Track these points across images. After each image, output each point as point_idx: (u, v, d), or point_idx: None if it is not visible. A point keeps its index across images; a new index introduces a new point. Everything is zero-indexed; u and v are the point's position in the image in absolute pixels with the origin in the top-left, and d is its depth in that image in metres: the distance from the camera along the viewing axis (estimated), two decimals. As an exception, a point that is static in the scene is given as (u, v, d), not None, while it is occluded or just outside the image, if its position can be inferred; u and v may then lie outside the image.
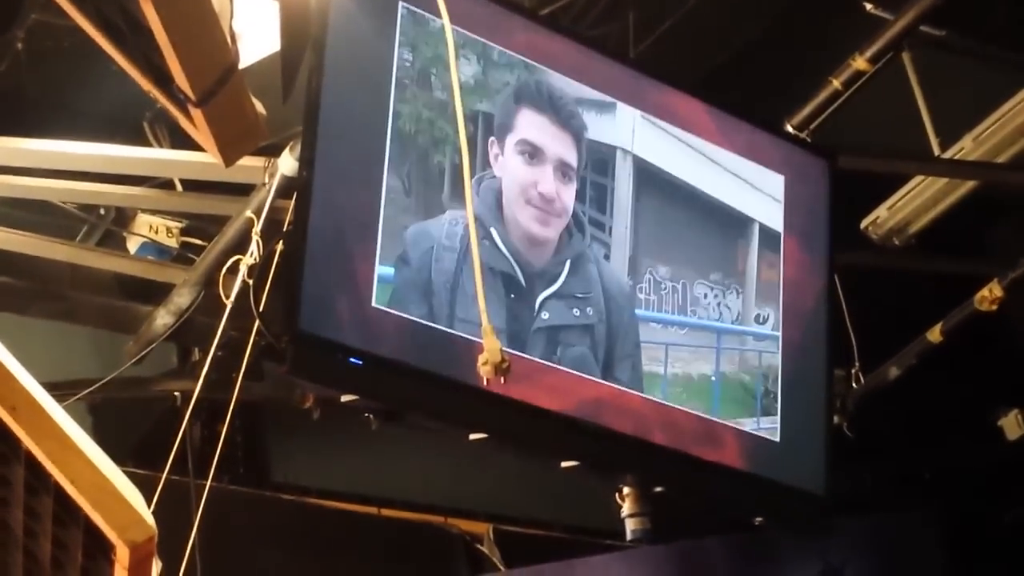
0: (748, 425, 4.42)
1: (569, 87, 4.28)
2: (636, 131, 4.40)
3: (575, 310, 4.16)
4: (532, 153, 4.20)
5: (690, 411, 4.31)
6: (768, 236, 4.62)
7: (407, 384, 3.84)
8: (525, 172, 4.18)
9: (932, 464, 6.46)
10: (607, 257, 4.30)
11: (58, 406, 2.17)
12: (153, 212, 5.35)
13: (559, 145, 4.25)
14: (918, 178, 5.35)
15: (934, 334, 5.49)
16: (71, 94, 5.25)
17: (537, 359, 4.03)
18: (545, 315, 4.08)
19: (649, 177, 4.42)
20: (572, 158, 4.27)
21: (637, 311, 4.32)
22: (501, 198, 4.10)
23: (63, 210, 5.33)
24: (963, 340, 5.49)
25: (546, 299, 4.10)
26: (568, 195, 4.24)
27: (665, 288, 4.39)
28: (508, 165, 4.14)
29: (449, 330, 3.86)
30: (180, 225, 5.37)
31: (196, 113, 2.45)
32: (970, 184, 5.29)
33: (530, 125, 4.21)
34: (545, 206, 4.18)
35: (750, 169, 4.60)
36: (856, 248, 5.39)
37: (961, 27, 4.86)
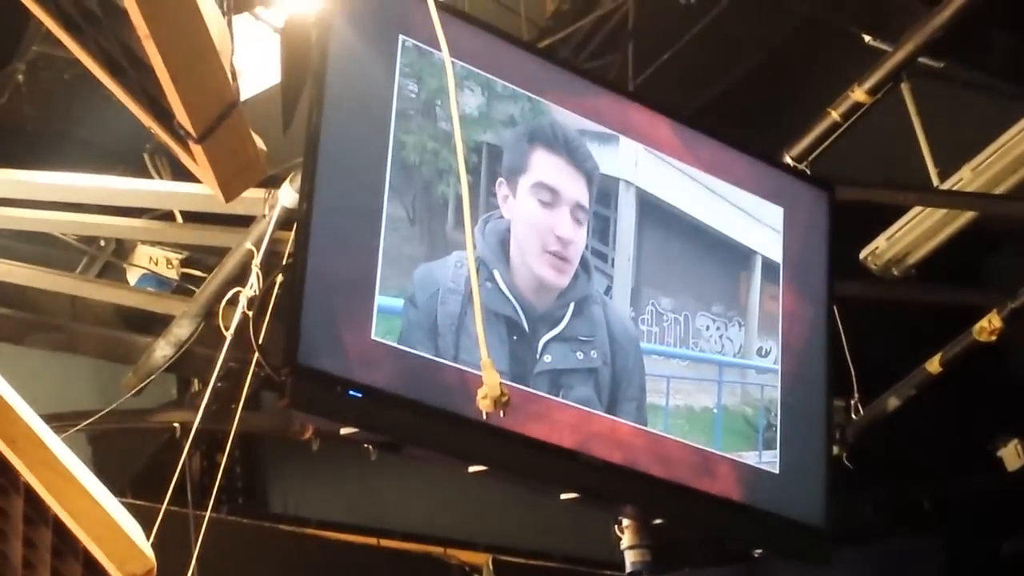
0: (749, 458, 4.42)
1: (571, 120, 4.28)
2: (639, 163, 4.40)
3: (578, 353, 4.15)
4: (550, 197, 4.20)
5: (690, 443, 4.31)
6: (770, 268, 4.62)
7: (406, 417, 3.84)
8: (542, 216, 4.17)
9: (932, 494, 6.45)
10: (609, 289, 4.29)
11: (57, 438, 2.17)
12: (153, 244, 5.36)
13: (575, 187, 4.25)
14: (917, 209, 5.35)
15: (933, 365, 5.48)
16: (71, 126, 5.27)
17: (538, 392, 4.04)
18: (548, 358, 4.07)
19: (652, 209, 4.42)
20: (586, 200, 4.27)
21: (640, 344, 4.32)
22: (508, 240, 4.09)
23: (63, 242, 5.34)
24: (962, 370, 5.48)
25: (548, 342, 4.10)
26: (581, 238, 4.24)
27: (667, 320, 4.39)
28: (520, 208, 4.13)
29: (449, 363, 3.86)
30: (180, 256, 5.37)
31: (196, 149, 2.45)
32: (969, 215, 5.29)
33: (546, 167, 4.21)
34: (563, 251, 4.18)
35: (750, 201, 4.61)
36: (855, 278, 5.39)
37: (960, 58, 4.87)
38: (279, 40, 4.27)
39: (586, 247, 4.25)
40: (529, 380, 4.00)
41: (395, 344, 3.80)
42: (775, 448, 4.48)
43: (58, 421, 5.07)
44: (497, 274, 4.02)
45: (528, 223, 4.14)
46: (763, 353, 4.55)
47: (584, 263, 4.23)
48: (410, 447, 4.06)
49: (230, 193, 2.56)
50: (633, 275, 4.34)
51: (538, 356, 4.06)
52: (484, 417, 2.92)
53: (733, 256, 4.58)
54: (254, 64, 4.33)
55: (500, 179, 4.11)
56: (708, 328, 4.47)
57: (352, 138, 3.88)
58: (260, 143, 2.52)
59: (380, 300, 3.80)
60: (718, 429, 4.40)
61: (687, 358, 4.42)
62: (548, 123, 4.23)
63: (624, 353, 4.24)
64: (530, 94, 4.22)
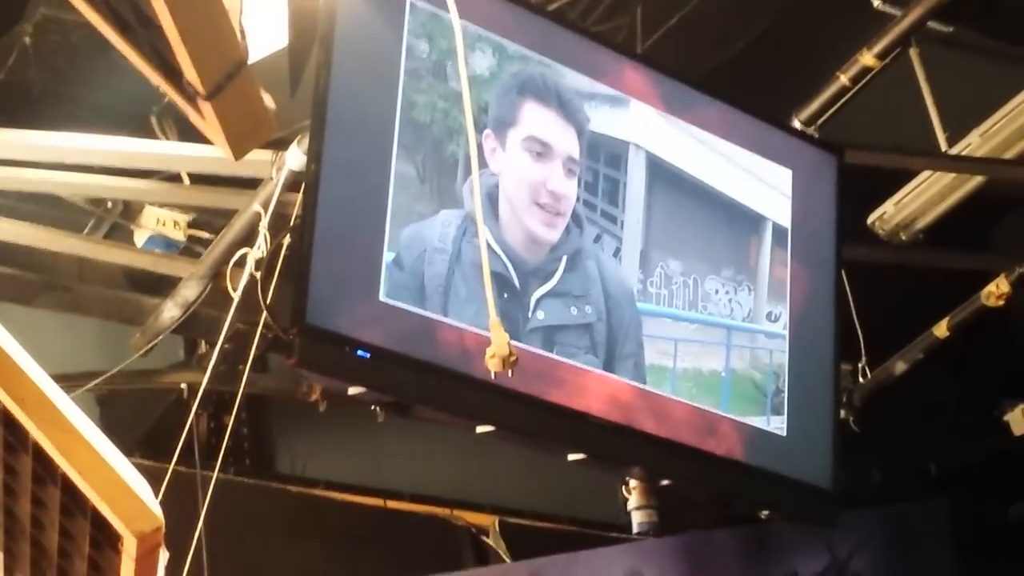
0: (757, 421, 4.43)
1: (580, 82, 4.27)
2: (648, 126, 4.39)
3: (572, 309, 4.15)
4: (541, 150, 4.19)
5: (696, 405, 4.32)
6: (780, 234, 4.62)
7: (414, 377, 3.85)
8: (534, 170, 4.16)
9: (938, 458, 6.46)
10: (618, 251, 4.29)
11: (66, 397, 2.18)
12: (160, 205, 5.36)
13: (566, 140, 4.24)
14: (925, 173, 5.34)
15: (940, 329, 5.49)
16: (78, 88, 5.26)
17: (542, 352, 4.04)
18: (540, 315, 4.07)
19: (662, 172, 4.41)
20: (576, 152, 4.26)
21: (648, 306, 4.31)
22: (497, 195, 4.08)
23: (70, 203, 5.34)
24: (970, 335, 5.49)
25: (541, 298, 4.09)
26: (572, 191, 4.23)
27: (676, 283, 4.39)
28: (510, 162, 4.12)
29: (456, 323, 3.87)
30: (187, 218, 5.38)
31: (205, 107, 2.45)
32: (977, 179, 5.28)
33: (537, 120, 4.20)
34: (555, 205, 4.17)
35: (759, 164, 4.60)
36: (863, 243, 5.39)
37: (969, 22, 4.85)
38: (287, 2, 4.26)
39: (577, 200, 4.24)
40: (521, 338, 3.99)
41: (401, 304, 3.80)
42: (783, 412, 4.48)
43: (66, 382, 5.08)
44: (486, 229, 4.00)
45: (518, 177, 4.13)
46: (772, 318, 4.55)
47: (576, 216, 4.21)
48: (416, 407, 4.07)
49: (239, 151, 2.55)
50: (642, 238, 4.34)
51: (530, 313, 4.06)
52: (492, 377, 2.94)
53: (743, 221, 4.58)
54: (262, 27, 4.32)
55: (487, 131, 4.10)
56: (718, 292, 4.47)
57: (360, 99, 3.88)
58: (270, 101, 2.52)
59: (388, 260, 3.80)
60: (726, 393, 4.41)
61: (696, 321, 4.42)
62: (539, 74, 4.21)
63: (620, 308, 4.24)
64: (538, 55, 4.21)
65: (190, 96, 2.46)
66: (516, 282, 4.05)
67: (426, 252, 3.89)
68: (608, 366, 4.16)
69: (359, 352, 3.75)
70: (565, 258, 4.17)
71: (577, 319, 4.13)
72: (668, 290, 4.35)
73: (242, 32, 2.43)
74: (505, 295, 4.01)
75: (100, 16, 2.51)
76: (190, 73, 2.38)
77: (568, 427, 4.08)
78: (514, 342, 3.85)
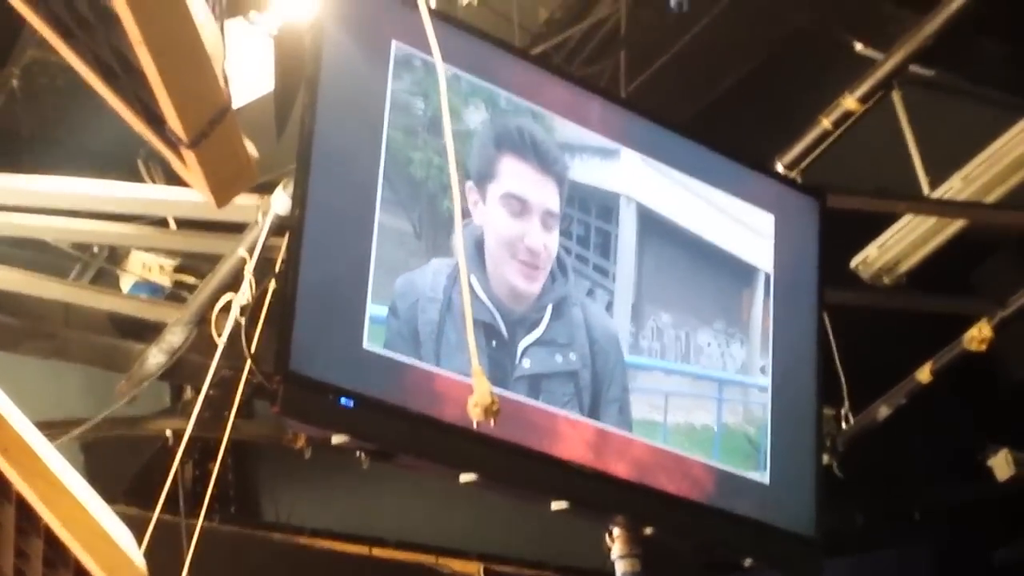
0: (740, 469, 4.42)
1: (564, 129, 4.28)
2: (638, 175, 4.40)
3: (557, 356, 4.15)
4: (518, 207, 4.19)
5: (681, 454, 4.31)
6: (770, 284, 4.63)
7: (398, 425, 3.84)
8: (511, 226, 4.16)
9: (922, 503, 6.46)
10: (610, 305, 4.29)
11: (50, 446, 2.17)
12: (146, 250, 5.35)
13: (543, 194, 4.23)
14: (908, 216, 5.36)
15: (923, 374, 5.49)
16: (65, 131, 5.27)
17: (526, 401, 4.03)
18: (527, 363, 4.07)
19: (653, 223, 4.40)
20: (556, 205, 4.25)
21: (639, 359, 4.30)
22: (483, 246, 4.08)
23: (56, 248, 5.34)
24: (953, 379, 5.49)
25: (528, 347, 4.09)
26: (552, 243, 4.22)
27: (668, 336, 4.38)
28: (490, 216, 4.12)
29: (440, 371, 3.86)
30: (173, 263, 5.37)
31: (188, 154, 2.45)
32: (960, 223, 5.30)
33: (514, 175, 4.19)
34: (533, 260, 4.17)
35: (743, 209, 4.60)
36: (846, 287, 5.40)
37: (950, 66, 4.87)
38: (273, 46, 4.28)
39: (568, 252, 4.24)
40: (509, 385, 4.00)
41: (386, 352, 3.80)
42: (767, 458, 4.48)
43: (50, 429, 5.06)
44: (474, 279, 4.01)
45: (497, 232, 4.13)
46: (765, 371, 4.55)
47: (560, 264, 4.21)
48: (400, 455, 4.05)
49: (222, 199, 2.56)
50: (634, 291, 4.33)
51: (517, 361, 4.05)
52: (475, 425, 2.93)
53: (735, 271, 4.57)
54: (248, 71, 4.34)
55: (469, 183, 4.10)
56: (710, 344, 4.47)
57: (345, 145, 3.88)
58: (252, 149, 2.52)
59: (372, 309, 3.80)
60: (717, 446, 4.40)
61: (688, 374, 4.41)
62: (515, 127, 4.22)
63: (604, 353, 4.23)
64: (525, 101, 4.22)
65: (173, 143, 2.46)
66: (504, 331, 4.05)
67: (419, 301, 3.90)
68: (593, 413, 4.16)
69: (343, 400, 3.74)
70: (550, 307, 4.16)
71: (562, 367, 4.13)
72: (660, 343, 4.35)
73: (225, 79, 2.44)
74: (494, 343, 4.01)
75: (83, 62, 2.52)
76: (173, 121, 2.39)
77: (551, 475, 4.07)
78: (500, 390, 3.88)
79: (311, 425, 4.02)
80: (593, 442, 4.14)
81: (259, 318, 4.06)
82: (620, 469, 4.17)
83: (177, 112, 2.36)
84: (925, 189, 5.16)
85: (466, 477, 4.00)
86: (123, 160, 5.26)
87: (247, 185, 2.60)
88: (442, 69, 2.93)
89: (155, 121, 2.46)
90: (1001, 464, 5.95)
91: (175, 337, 5.30)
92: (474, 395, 2.87)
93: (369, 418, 3.80)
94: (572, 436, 4.10)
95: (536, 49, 4.75)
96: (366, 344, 3.77)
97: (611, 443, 4.18)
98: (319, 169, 3.80)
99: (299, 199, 3.81)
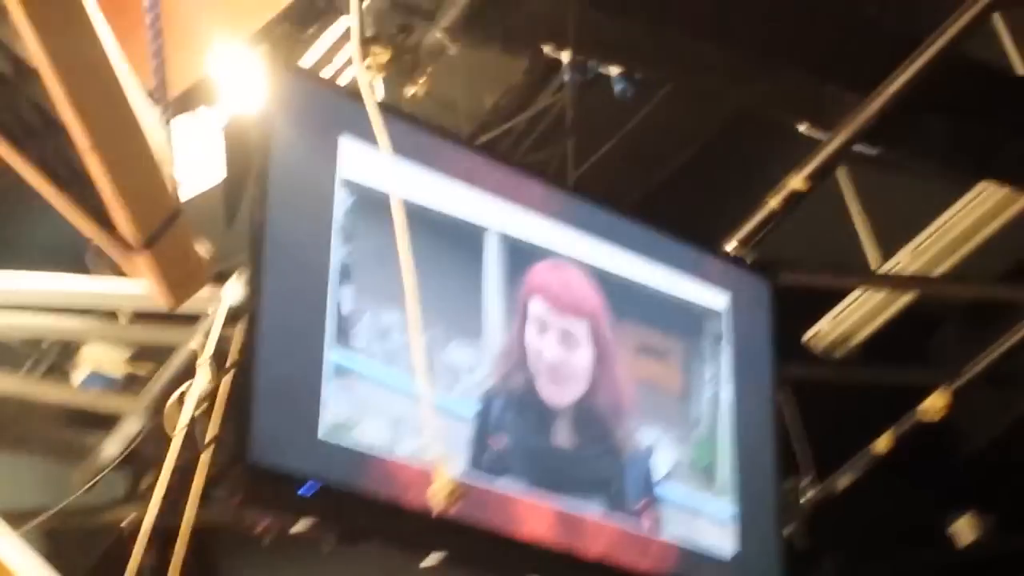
0: (703, 544, 4.42)
1: (513, 215, 4.30)
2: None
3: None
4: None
5: (644, 534, 4.32)
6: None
7: (360, 512, 3.83)
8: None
9: (886, 571, 6.46)
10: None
11: (12, 536, 2.17)
12: (98, 342, 5.33)
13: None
14: (860, 289, 5.39)
15: (881, 444, 5.50)
16: (11, 226, 5.25)
17: (492, 483, 4.04)
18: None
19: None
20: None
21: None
22: None
23: (6, 343, 5.31)
24: (913, 447, 5.51)
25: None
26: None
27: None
28: None
29: (398, 460, 3.85)
30: (126, 354, 5.35)
31: (140, 258, 2.47)
32: (910, 295, 5.34)
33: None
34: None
35: (697, 288, 4.64)
36: (800, 360, 5.42)
37: (895, 143, 4.91)
38: (221, 139, 4.29)
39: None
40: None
41: (344, 441, 3.79)
42: (728, 531, 4.49)
43: (8, 520, 5.02)
44: None
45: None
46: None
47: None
48: (363, 542, 4.05)
49: (176, 299, 2.58)
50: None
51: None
52: (436, 512, 2.94)
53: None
54: (196, 163, 4.35)
55: None
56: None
57: (296, 237, 3.88)
58: (205, 249, 2.53)
59: (327, 399, 3.79)
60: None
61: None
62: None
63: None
64: (471, 187, 4.23)
65: (125, 247, 2.47)
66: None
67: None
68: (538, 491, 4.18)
69: (303, 489, 3.74)
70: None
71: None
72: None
73: (174, 183, 2.46)
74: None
75: (33, 169, 2.53)
76: (124, 225, 2.40)
77: (514, 557, 4.07)
78: (471, 480, 3.89)
79: (272, 513, 4.00)
80: (564, 524, 4.14)
81: (213, 408, 4.05)
82: (584, 548, 4.17)
83: (128, 217, 2.38)
84: (875, 262, 5.20)
85: (429, 561, 4.00)
86: (71, 254, 5.25)
87: (200, 286, 2.62)
88: (396, 190, 2.94)
89: (106, 225, 2.47)
90: (964, 529, 5.97)
91: (131, 427, 5.28)
92: (436, 482, 2.88)
93: (329, 506, 3.79)
94: (536, 517, 4.10)
95: (483, 137, 4.77)
96: (322, 434, 3.77)
97: (569, 519, 4.18)
98: (272, 261, 3.80)
99: (253, 290, 3.80)
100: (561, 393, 4.27)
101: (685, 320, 4.63)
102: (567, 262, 4.40)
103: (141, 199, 2.39)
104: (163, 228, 2.44)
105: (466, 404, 4.07)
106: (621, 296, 4.48)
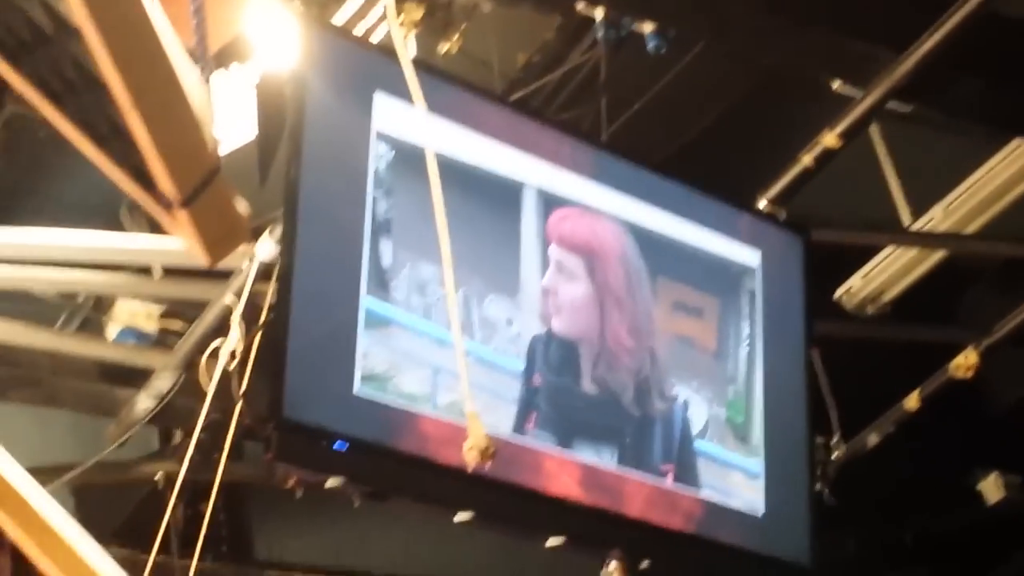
0: (734, 501, 4.44)
1: (547, 172, 4.31)
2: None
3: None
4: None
5: (672, 487, 4.33)
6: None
7: (393, 468, 3.86)
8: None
9: (914, 529, 6.47)
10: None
11: (44, 493, 2.19)
12: (132, 297, 5.36)
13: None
14: (890, 247, 5.38)
15: (911, 402, 5.50)
16: (47, 183, 5.27)
17: (523, 438, 4.06)
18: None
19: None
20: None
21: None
22: None
23: (42, 298, 5.34)
24: (941, 405, 5.51)
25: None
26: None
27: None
28: None
29: (433, 415, 3.88)
30: (159, 309, 5.38)
31: (180, 214, 2.47)
32: (941, 253, 5.33)
33: None
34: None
35: (728, 245, 4.65)
36: (830, 317, 5.42)
37: (928, 100, 4.90)
38: (254, 96, 4.30)
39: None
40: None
41: (378, 396, 3.82)
42: (759, 488, 4.50)
43: (40, 475, 5.05)
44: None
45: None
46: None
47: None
48: (396, 498, 4.08)
49: (215, 257, 2.58)
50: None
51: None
52: (470, 470, 2.95)
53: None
54: (229, 120, 4.36)
55: None
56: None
57: (331, 193, 3.90)
58: (244, 207, 2.54)
59: (362, 354, 3.81)
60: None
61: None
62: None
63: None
64: (503, 144, 4.24)
65: (164, 204, 2.48)
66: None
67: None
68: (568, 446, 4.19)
69: (336, 444, 3.76)
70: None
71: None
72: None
73: (214, 142, 2.46)
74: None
75: (72, 126, 2.54)
76: (164, 182, 2.41)
77: (545, 513, 4.09)
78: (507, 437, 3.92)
79: (305, 470, 4.03)
80: (596, 480, 4.17)
81: (247, 363, 4.07)
82: (614, 504, 4.19)
83: (168, 174, 2.39)
84: (906, 220, 5.19)
85: (461, 516, 4.02)
86: (106, 210, 5.28)
87: (240, 242, 2.62)
88: (432, 153, 2.94)
89: (146, 183, 2.48)
90: (991, 488, 5.97)
91: (163, 382, 5.31)
92: (470, 437, 2.89)
93: (363, 462, 3.82)
94: (566, 473, 4.12)
95: (515, 94, 4.77)
96: (358, 388, 3.79)
97: (616, 482, 4.20)
98: (306, 217, 3.83)
99: (287, 246, 3.83)
100: (575, 331, 4.29)
101: (721, 278, 4.64)
102: (594, 211, 4.42)
103: (181, 156, 2.39)
104: (203, 185, 2.44)
105: (503, 356, 4.10)
106: (656, 252, 4.49)
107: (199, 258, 2.55)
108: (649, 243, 4.48)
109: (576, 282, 4.32)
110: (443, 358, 3.89)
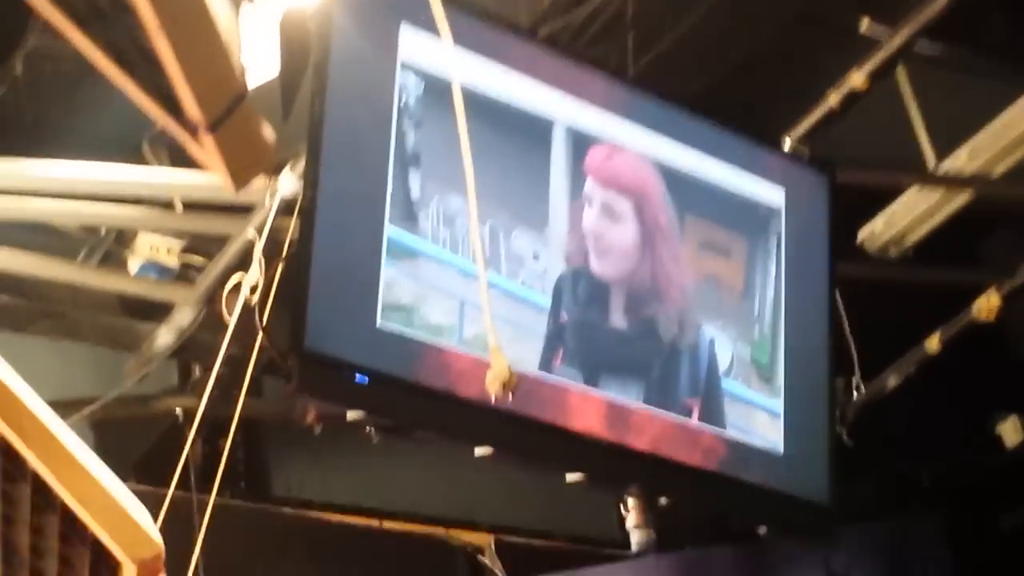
0: (754, 438, 4.45)
1: (572, 108, 4.30)
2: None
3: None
4: None
5: (692, 424, 4.34)
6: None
7: (413, 401, 3.87)
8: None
9: (932, 472, 6.48)
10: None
11: (64, 425, 2.20)
12: (153, 231, 5.36)
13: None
14: (914, 189, 5.37)
15: (932, 343, 5.50)
16: (70, 116, 5.27)
17: (547, 373, 4.07)
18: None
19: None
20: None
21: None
22: None
23: (63, 231, 5.35)
24: (961, 348, 5.50)
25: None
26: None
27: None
28: None
29: (457, 349, 3.88)
30: (181, 244, 5.38)
31: (206, 139, 2.47)
32: (966, 196, 5.31)
33: None
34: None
35: (753, 183, 4.64)
36: (854, 259, 5.41)
37: (956, 42, 4.87)
38: (278, 31, 4.28)
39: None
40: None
41: (401, 329, 3.82)
42: (780, 428, 4.51)
43: (60, 408, 5.06)
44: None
45: None
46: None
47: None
48: (417, 431, 4.09)
49: (240, 182, 2.57)
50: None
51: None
52: (492, 401, 2.95)
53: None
54: (254, 54, 4.34)
55: None
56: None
57: (355, 127, 3.90)
58: (270, 132, 2.54)
59: (386, 287, 3.81)
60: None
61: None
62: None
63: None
64: (530, 78, 4.23)
65: (191, 129, 2.48)
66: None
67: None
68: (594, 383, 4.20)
69: (358, 377, 3.77)
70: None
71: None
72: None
73: (241, 67, 2.46)
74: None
75: (99, 51, 2.53)
76: (191, 107, 2.40)
77: (566, 448, 4.10)
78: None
79: (326, 402, 4.05)
80: (614, 416, 4.17)
81: (268, 297, 4.08)
82: (636, 441, 4.20)
83: (195, 98, 2.38)
84: (931, 163, 5.17)
85: (481, 450, 4.04)
86: (128, 144, 5.28)
87: (265, 169, 2.62)
88: (457, 84, 2.93)
89: (172, 107, 2.48)
90: (1010, 431, 5.97)
91: (184, 317, 5.32)
92: (492, 370, 2.89)
93: (384, 395, 3.83)
94: (588, 409, 4.13)
95: (542, 29, 4.75)
96: (380, 321, 3.80)
97: (635, 418, 4.21)
98: (330, 151, 3.83)
99: (311, 181, 3.83)
100: (606, 267, 4.29)
101: (750, 218, 4.65)
102: (628, 149, 4.41)
103: (208, 81, 2.39)
104: (229, 111, 2.43)
105: (529, 291, 4.10)
106: (684, 191, 4.50)
107: (225, 184, 2.55)
108: (677, 181, 4.47)
109: (624, 224, 4.33)
110: (469, 290, 3.90)
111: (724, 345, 4.47)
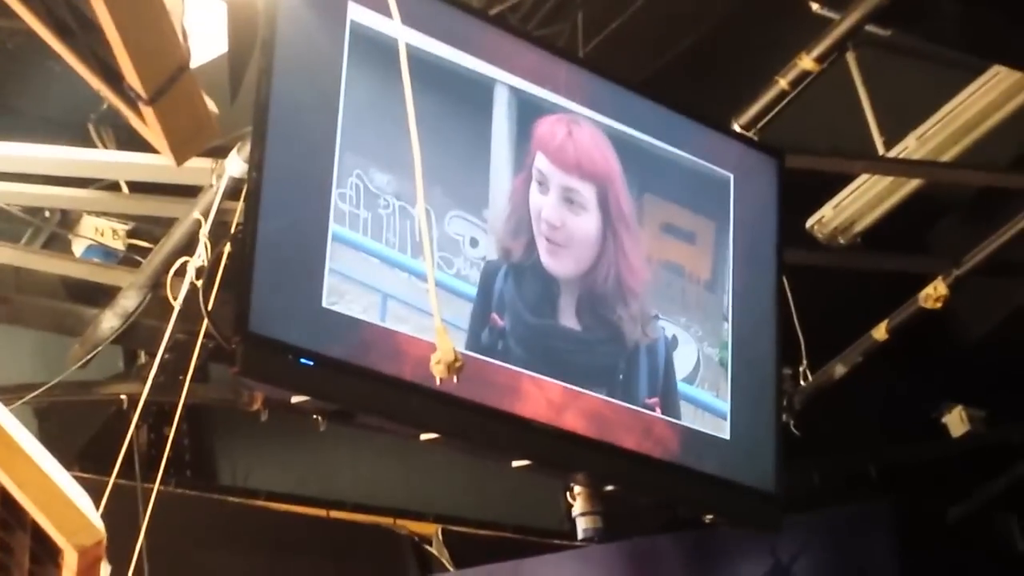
0: (701, 425, 4.43)
1: (523, 89, 4.26)
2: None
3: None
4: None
5: (639, 410, 4.32)
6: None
7: (359, 385, 3.84)
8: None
9: (877, 461, 6.51)
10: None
11: (6, 411, 2.16)
12: (99, 214, 5.32)
13: None
14: (863, 177, 5.38)
15: (879, 332, 5.53)
16: (14, 96, 5.22)
17: (493, 360, 4.03)
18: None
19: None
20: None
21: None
22: None
23: (7, 213, 5.29)
24: (908, 337, 5.53)
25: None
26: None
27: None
28: None
29: (400, 331, 3.85)
30: (126, 227, 5.34)
31: (147, 111, 2.43)
32: (914, 183, 5.32)
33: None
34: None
35: (701, 168, 4.61)
36: (802, 246, 5.42)
37: (906, 27, 4.88)
38: (226, 8, 4.24)
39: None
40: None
41: (343, 311, 3.79)
42: (727, 415, 4.50)
43: (3, 394, 5.04)
44: None
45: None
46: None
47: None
48: (361, 415, 4.06)
49: (182, 156, 2.54)
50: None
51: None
52: (437, 383, 2.92)
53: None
54: (201, 33, 4.30)
55: None
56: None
57: (302, 107, 3.86)
58: (212, 105, 2.50)
59: (331, 269, 3.78)
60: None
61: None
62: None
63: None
64: (482, 61, 4.19)
65: (131, 100, 2.44)
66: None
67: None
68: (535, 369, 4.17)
69: (302, 360, 3.74)
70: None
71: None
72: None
73: (184, 34, 2.42)
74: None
75: (38, 20, 2.49)
76: (131, 77, 2.37)
77: (512, 434, 4.07)
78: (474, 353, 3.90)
79: (271, 386, 4.01)
80: (561, 402, 4.14)
81: (214, 281, 4.04)
82: (579, 426, 4.18)
83: (135, 68, 2.34)
84: (880, 149, 5.17)
85: (427, 436, 4.01)
86: (74, 125, 5.23)
87: (207, 142, 2.58)
88: (406, 68, 2.90)
89: (113, 78, 2.44)
90: (955, 421, 6.01)
91: (129, 301, 5.27)
92: (437, 352, 2.87)
93: (329, 377, 3.80)
94: (541, 396, 4.10)
95: (492, 10, 4.72)
96: (325, 303, 3.77)
97: (580, 403, 4.18)
98: (276, 132, 3.78)
99: (256, 162, 3.79)
100: (562, 263, 4.23)
101: (717, 198, 4.61)
102: (581, 119, 4.37)
103: (149, 51, 2.35)
104: (170, 81, 2.40)
105: (469, 276, 4.06)
106: (643, 165, 4.45)
107: (168, 155, 2.52)
108: (635, 153, 4.43)
109: (585, 214, 4.28)
110: (408, 277, 3.87)
111: (686, 339, 4.44)
